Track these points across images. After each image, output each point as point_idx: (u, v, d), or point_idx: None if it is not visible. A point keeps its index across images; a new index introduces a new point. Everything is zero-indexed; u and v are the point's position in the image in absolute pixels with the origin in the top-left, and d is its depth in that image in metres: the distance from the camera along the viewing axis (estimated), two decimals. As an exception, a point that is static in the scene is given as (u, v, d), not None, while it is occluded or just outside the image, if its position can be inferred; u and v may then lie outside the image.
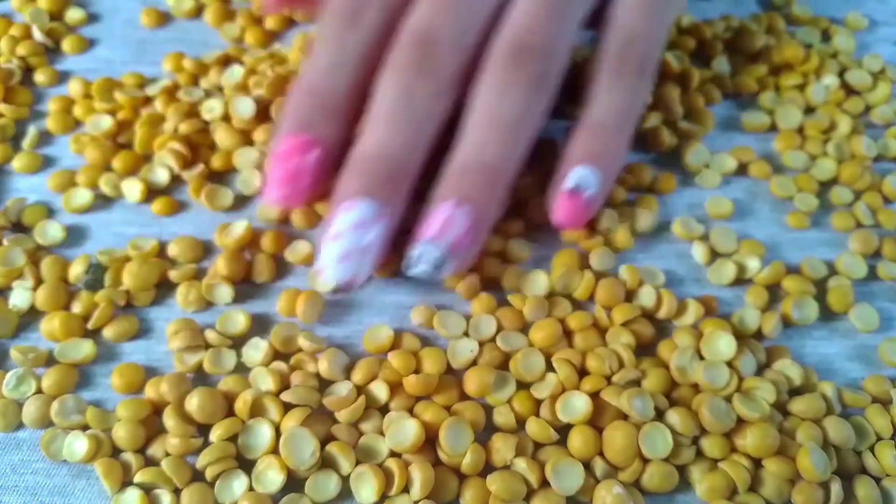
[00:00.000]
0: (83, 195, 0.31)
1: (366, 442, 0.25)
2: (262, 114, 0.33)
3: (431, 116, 0.28)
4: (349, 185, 0.27)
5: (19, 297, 0.28)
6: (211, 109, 0.33)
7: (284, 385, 0.26)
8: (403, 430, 0.25)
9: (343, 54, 0.29)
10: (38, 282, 0.29)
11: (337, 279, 0.26)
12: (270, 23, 0.38)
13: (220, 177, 0.32)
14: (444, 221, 0.26)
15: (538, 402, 0.26)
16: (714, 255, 0.31)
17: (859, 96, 0.36)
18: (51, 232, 0.30)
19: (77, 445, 0.25)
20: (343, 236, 0.26)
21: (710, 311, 0.29)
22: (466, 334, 0.28)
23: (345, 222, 0.26)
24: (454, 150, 0.28)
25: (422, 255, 0.26)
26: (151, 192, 0.32)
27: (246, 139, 0.33)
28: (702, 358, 0.27)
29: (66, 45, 0.37)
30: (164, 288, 0.29)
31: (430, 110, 0.28)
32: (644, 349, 0.28)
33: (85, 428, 0.25)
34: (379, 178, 0.27)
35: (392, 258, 0.29)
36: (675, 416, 0.25)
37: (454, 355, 0.27)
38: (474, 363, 0.27)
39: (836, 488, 0.24)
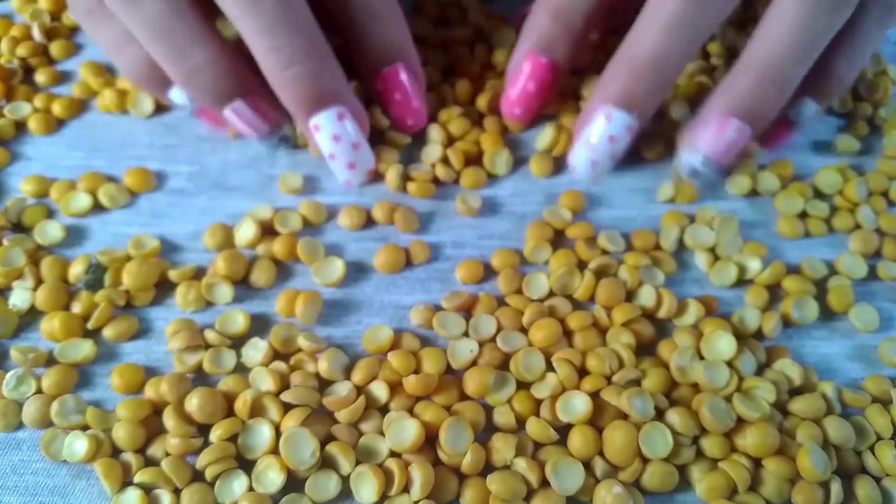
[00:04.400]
0: (82, 199, 0.31)
1: (366, 442, 0.25)
2: None
3: (710, 28, 0.27)
4: (614, 85, 0.28)
5: (19, 297, 0.28)
6: None
7: (284, 385, 0.26)
8: (403, 430, 0.25)
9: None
10: (38, 282, 0.29)
11: (583, 178, 0.30)
12: None
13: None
14: (731, 141, 0.28)
15: (538, 402, 0.26)
16: (716, 258, 0.31)
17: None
18: (51, 232, 0.30)
19: (77, 445, 0.25)
20: (597, 148, 0.28)
21: (710, 312, 0.29)
22: (466, 334, 0.28)
23: (602, 132, 0.28)
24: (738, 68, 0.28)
25: (703, 165, 0.28)
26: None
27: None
28: (702, 358, 0.27)
29: (55, 49, 0.37)
30: (163, 288, 0.29)
31: (713, 21, 0.27)
32: (644, 349, 0.28)
33: (85, 428, 0.25)
34: (646, 84, 0.28)
35: None
36: (675, 416, 0.25)
37: (454, 355, 0.27)
38: (474, 363, 0.27)
39: (836, 488, 0.24)
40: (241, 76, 0.29)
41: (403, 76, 0.31)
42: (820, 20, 0.26)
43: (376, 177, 0.32)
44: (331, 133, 0.29)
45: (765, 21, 0.27)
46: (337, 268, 0.29)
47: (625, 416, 0.25)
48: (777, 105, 0.28)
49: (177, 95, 0.31)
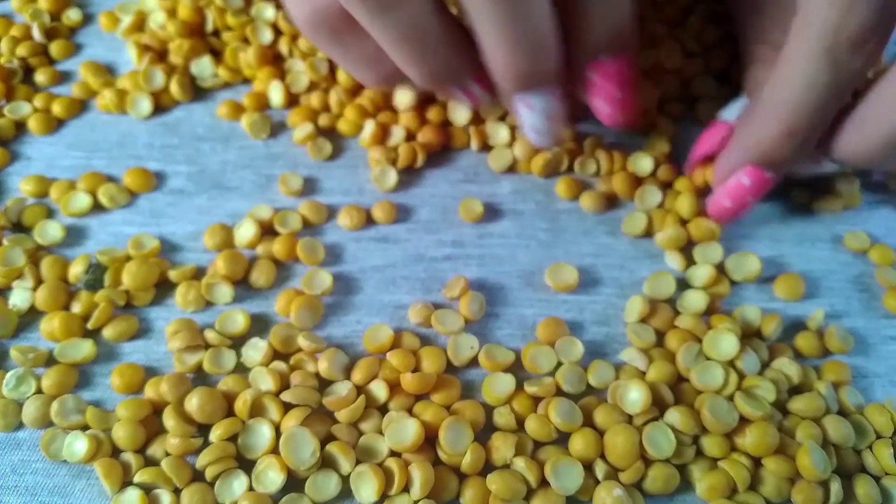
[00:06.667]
0: (81, 199, 0.31)
1: (366, 442, 0.25)
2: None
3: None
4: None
5: (19, 297, 0.28)
6: None
7: (284, 385, 0.26)
8: (403, 430, 0.25)
9: (819, 90, 0.26)
10: (38, 282, 0.29)
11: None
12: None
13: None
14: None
15: (538, 402, 0.26)
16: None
17: None
18: (51, 232, 0.30)
19: (77, 445, 0.25)
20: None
21: (714, 310, 0.29)
22: (465, 331, 0.28)
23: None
24: None
25: None
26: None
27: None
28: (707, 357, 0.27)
29: (55, 49, 0.37)
30: (163, 288, 0.29)
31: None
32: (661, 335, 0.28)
33: (85, 428, 0.25)
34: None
35: None
36: (675, 415, 0.25)
37: (455, 352, 0.27)
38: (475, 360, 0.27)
39: (835, 487, 0.24)
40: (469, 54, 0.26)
41: (627, 70, 0.27)
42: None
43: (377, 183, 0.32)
44: (543, 112, 0.27)
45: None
46: (324, 280, 0.29)
47: (627, 420, 0.25)
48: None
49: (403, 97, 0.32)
